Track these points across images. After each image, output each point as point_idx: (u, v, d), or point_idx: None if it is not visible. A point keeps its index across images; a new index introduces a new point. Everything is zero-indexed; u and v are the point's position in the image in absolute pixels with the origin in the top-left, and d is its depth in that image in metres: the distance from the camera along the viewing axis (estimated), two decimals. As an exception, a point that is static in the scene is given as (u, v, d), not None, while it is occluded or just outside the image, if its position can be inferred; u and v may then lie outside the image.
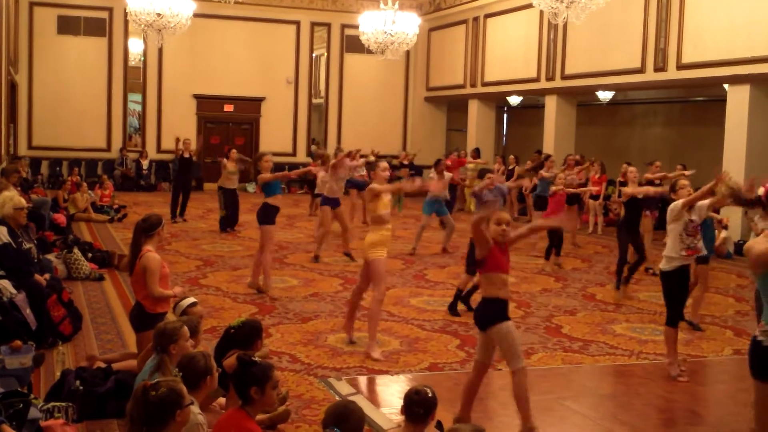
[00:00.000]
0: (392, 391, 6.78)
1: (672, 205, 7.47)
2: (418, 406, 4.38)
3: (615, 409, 6.60)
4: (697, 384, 7.35)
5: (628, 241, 10.95)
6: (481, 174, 10.30)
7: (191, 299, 6.18)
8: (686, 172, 13.62)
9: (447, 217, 14.45)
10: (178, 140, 17.49)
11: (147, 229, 6.48)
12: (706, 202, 7.45)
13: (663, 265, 7.49)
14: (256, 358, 4.45)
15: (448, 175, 14.57)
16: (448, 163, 16.17)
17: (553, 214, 12.78)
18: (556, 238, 12.86)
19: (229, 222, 15.67)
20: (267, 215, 10.21)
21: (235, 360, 4.52)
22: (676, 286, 7.44)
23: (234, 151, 16.45)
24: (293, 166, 25.47)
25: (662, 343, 7.82)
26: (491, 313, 5.55)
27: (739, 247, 14.70)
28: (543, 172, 14.97)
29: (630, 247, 11.03)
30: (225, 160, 15.99)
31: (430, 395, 4.42)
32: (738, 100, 15.49)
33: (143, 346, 6.08)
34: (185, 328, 5.23)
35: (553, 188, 12.92)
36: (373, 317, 7.73)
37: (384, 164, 8.04)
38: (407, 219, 18.52)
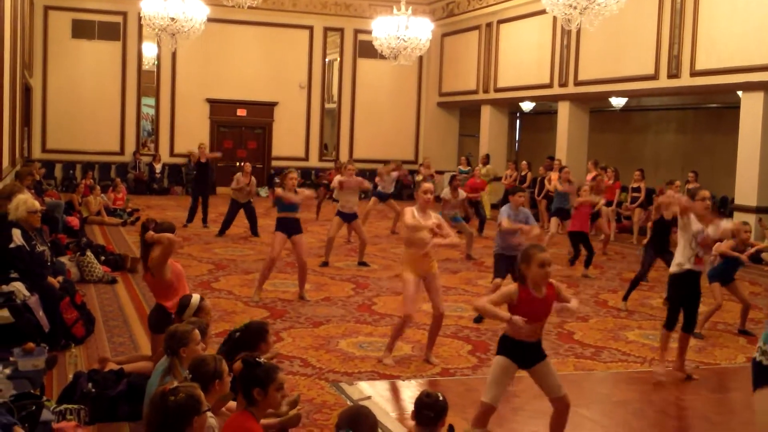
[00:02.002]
0: (404, 396, 6.77)
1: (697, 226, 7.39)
2: (428, 409, 4.36)
3: (628, 416, 6.57)
4: (710, 391, 7.33)
5: (653, 260, 10.88)
6: (513, 191, 9.74)
7: (197, 296, 6.17)
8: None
9: (462, 225, 14.41)
10: (190, 153, 17.48)
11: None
12: (729, 226, 7.44)
13: (672, 269, 7.55)
14: (261, 360, 4.45)
15: (462, 193, 14.52)
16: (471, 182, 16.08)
17: (579, 224, 12.71)
18: (590, 248, 12.85)
19: (252, 229, 15.75)
20: (277, 227, 10.28)
21: (240, 362, 4.53)
22: (679, 290, 7.49)
23: (248, 164, 16.44)
24: (306, 172, 25.69)
25: (674, 350, 7.81)
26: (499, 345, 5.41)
27: (753, 255, 14.62)
28: (560, 186, 15.00)
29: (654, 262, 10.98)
30: (239, 175, 15.91)
31: (440, 399, 4.41)
32: (752, 107, 15.42)
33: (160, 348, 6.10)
34: (196, 331, 5.24)
35: (579, 200, 12.84)
36: (394, 330, 7.78)
37: (427, 186, 7.66)
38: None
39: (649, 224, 12.78)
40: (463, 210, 14.82)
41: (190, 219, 16.66)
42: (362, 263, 12.97)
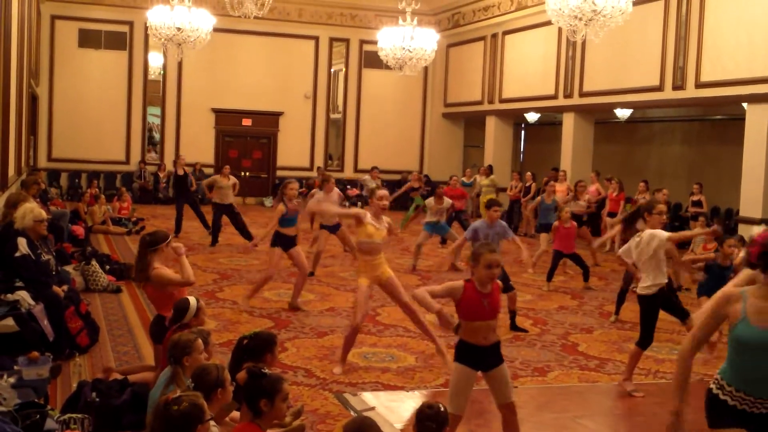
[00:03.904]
0: (407, 407, 6.76)
1: (659, 234, 7.33)
2: (430, 420, 4.35)
3: (631, 428, 6.56)
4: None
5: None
6: (489, 204, 9.86)
7: (194, 298, 6.15)
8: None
9: (450, 233, 14.35)
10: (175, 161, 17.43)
11: (151, 243, 6.65)
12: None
13: (641, 291, 7.41)
14: (266, 370, 4.45)
15: (447, 201, 14.51)
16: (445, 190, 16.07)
17: (562, 246, 12.56)
18: (583, 264, 12.75)
19: (244, 236, 15.66)
20: (275, 242, 10.31)
21: (245, 372, 4.52)
22: (653, 309, 7.40)
23: (227, 167, 16.40)
24: (312, 182, 25.64)
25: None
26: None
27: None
28: (545, 197, 15.02)
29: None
30: (218, 176, 15.91)
31: (442, 410, 4.40)
32: (757, 119, 15.40)
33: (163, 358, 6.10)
34: (199, 340, 5.25)
35: (555, 223, 12.80)
36: (345, 341, 7.79)
37: (382, 193, 7.89)
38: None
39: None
40: (447, 215, 14.86)
41: (177, 230, 16.52)
42: None
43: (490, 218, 9.53)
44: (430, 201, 14.38)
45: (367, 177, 17.67)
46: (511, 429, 5.43)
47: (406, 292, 7.84)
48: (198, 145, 24.82)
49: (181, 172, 16.93)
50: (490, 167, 21.86)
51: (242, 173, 24.49)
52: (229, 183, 15.70)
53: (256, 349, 5.64)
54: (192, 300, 6.07)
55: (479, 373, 5.42)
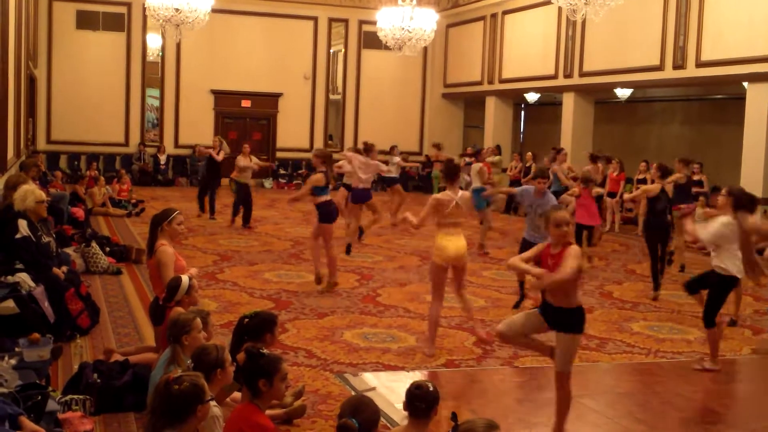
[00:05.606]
0: (408, 387, 6.77)
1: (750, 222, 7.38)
2: (419, 400, 4.36)
3: (632, 407, 6.57)
4: (714, 383, 7.32)
5: (656, 242, 10.78)
6: (542, 174, 9.92)
7: (187, 277, 6.15)
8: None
9: (484, 213, 14.19)
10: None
11: (155, 222, 6.70)
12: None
13: (723, 271, 7.48)
14: (264, 350, 4.45)
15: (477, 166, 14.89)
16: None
17: (584, 216, 12.44)
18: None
19: (244, 218, 15.67)
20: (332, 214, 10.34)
21: (244, 352, 4.53)
22: (726, 292, 7.63)
23: (246, 146, 16.49)
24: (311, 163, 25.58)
25: (679, 341, 7.85)
26: None
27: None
28: (555, 167, 14.90)
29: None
30: (240, 156, 16.04)
31: (431, 389, 4.39)
32: (757, 99, 15.37)
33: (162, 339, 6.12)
34: (198, 319, 5.28)
35: (573, 191, 12.64)
36: (432, 321, 7.81)
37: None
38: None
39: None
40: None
41: (212, 212, 16.67)
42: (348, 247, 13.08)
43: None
44: (484, 169, 14.66)
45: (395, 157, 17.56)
46: (558, 399, 5.65)
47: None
48: (197, 126, 24.76)
49: (221, 157, 16.75)
50: (498, 147, 21.76)
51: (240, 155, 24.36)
52: (248, 163, 15.81)
53: (256, 328, 5.65)
54: (184, 278, 6.09)
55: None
